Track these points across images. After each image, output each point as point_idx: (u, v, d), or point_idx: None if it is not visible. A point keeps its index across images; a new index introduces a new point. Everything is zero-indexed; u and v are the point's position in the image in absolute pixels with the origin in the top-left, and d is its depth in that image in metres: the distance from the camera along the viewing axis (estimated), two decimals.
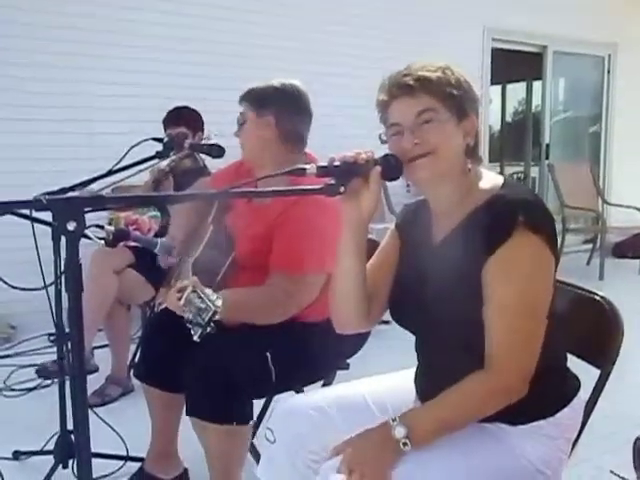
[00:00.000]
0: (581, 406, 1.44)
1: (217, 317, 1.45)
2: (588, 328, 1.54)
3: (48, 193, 1.48)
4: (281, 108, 2.01)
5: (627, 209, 6.46)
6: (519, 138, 9.96)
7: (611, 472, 1.58)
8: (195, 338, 1.33)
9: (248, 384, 1.84)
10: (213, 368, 1.79)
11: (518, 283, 1.27)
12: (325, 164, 1.31)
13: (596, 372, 1.48)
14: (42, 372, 3.34)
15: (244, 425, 1.89)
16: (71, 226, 1.13)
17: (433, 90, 1.33)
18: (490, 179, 1.40)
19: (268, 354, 1.87)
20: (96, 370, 3.30)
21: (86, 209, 1.15)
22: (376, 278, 1.51)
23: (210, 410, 1.82)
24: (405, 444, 1.25)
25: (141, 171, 2.15)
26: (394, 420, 1.28)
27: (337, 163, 1.30)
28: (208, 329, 1.31)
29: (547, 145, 7.28)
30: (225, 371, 1.78)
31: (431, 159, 1.33)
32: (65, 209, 1.14)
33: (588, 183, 6.85)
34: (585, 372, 1.48)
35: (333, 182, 1.31)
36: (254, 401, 1.95)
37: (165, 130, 3.26)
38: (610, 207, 7.00)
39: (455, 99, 1.34)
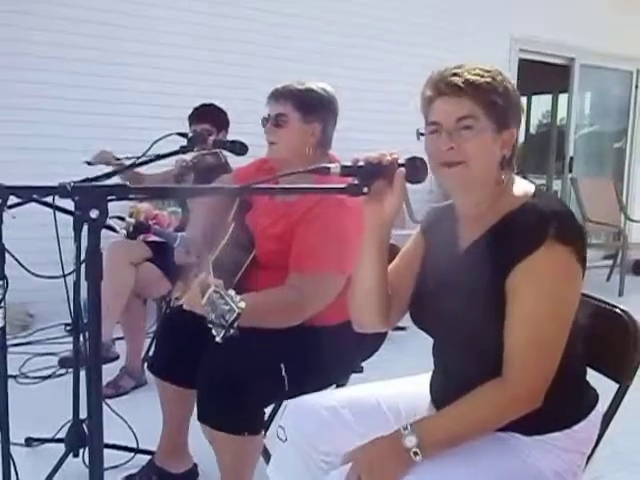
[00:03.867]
0: (598, 420, 1.42)
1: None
2: (608, 342, 1.51)
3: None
4: (328, 116, 2.04)
5: None
6: (543, 150, 9.89)
7: None
8: (218, 339, 1.32)
9: (260, 394, 1.83)
10: (226, 377, 1.78)
11: (544, 293, 1.25)
12: (349, 164, 1.30)
13: (614, 386, 1.46)
14: (65, 363, 3.35)
15: (255, 435, 1.88)
16: (94, 214, 1.14)
17: (479, 96, 1.30)
18: (521, 186, 1.38)
19: (282, 365, 1.85)
20: (117, 357, 3.33)
21: (109, 198, 1.15)
22: (398, 280, 1.50)
23: (221, 419, 1.81)
24: (416, 453, 1.24)
25: (159, 164, 2.16)
26: (405, 429, 1.27)
27: (361, 163, 1.29)
28: (231, 331, 1.30)
29: (571, 158, 7.21)
30: (237, 381, 1.76)
31: (463, 169, 1.31)
32: (88, 197, 1.14)
33: (611, 198, 6.77)
34: (604, 386, 1.46)
35: (356, 182, 1.30)
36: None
37: (190, 126, 3.28)
38: (632, 223, 6.92)
39: (499, 109, 1.31)
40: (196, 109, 3.36)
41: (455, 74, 1.32)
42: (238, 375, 1.77)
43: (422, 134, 1.37)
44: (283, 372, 1.85)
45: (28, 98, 4.16)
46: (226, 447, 1.87)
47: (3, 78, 4.10)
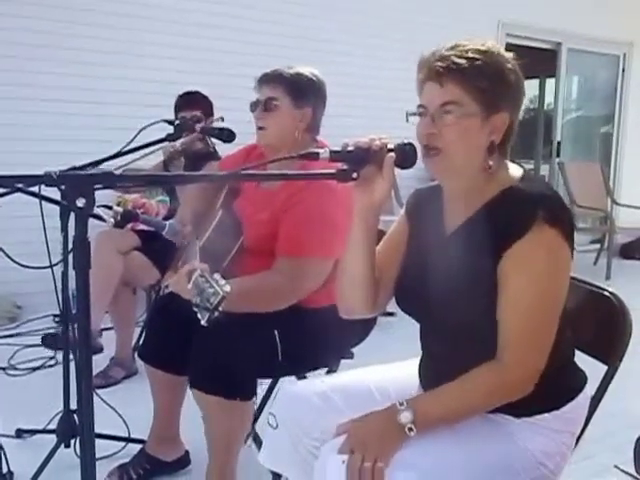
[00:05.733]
0: (586, 401, 1.43)
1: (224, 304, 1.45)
2: (597, 324, 1.53)
3: None
4: (318, 101, 2.05)
5: (636, 210, 6.43)
6: (530, 135, 9.89)
7: (615, 467, 1.57)
8: (203, 322, 1.32)
9: (254, 360, 1.83)
10: (219, 343, 1.79)
11: (535, 277, 1.25)
12: (338, 149, 1.29)
13: (603, 368, 1.47)
14: (48, 341, 3.34)
15: (247, 401, 1.88)
16: (80, 203, 1.12)
17: (464, 81, 1.27)
18: (510, 171, 1.38)
19: (276, 332, 1.87)
20: (101, 350, 3.32)
21: (96, 186, 1.14)
22: (383, 264, 1.50)
23: (213, 383, 1.81)
24: (410, 429, 1.25)
25: (148, 154, 2.12)
26: (401, 404, 1.27)
27: (350, 148, 1.28)
28: (216, 314, 1.31)
29: (558, 143, 7.23)
30: (231, 345, 1.77)
31: (443, 158, 1.30)
32: (75, 185, 1.13)
33: (598, 183, 6.81)
34: (592, 368, 1.47)
35: (346, 168, 1.30)
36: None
37: (177, 113, 3.25)
38: (619, 207, 6.96)
39: (486, 93, 1.28)
40: (181, 96, 3.33)
41: (443, 57, 1.29)
42: (231, 341, 1.78)
43: (413, 114, 1.36)
44: (276, 338, 1.86)
45: (7, 87, 4.10)
46: (217, 412, 1.87)
47: None
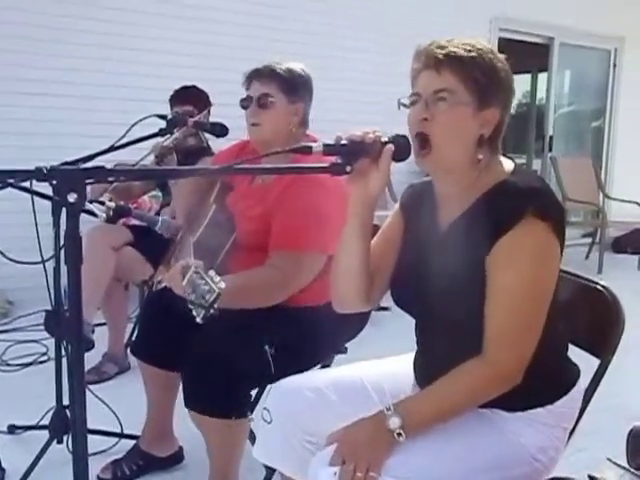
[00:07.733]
0: (580, 395, 1.43)
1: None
2: (589, 317, 1.53)
3: None
4: (308, 95, 2.06)
5: (627, 204, 6.46)
6: (522, 130, 9.91)
7: (608, 460, 1.58)
8: (198, 320, 1.31)
9: (246, 378, 1.83)
10: (211, 362, 1.78)
11: (521, 269, 1.25)
12: (332, 142, 1.28)
13: (595, 362, 1.48)
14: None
15: (242, 418, 1.88)
16: (72, 198, 1.11)
17: (460, 70, 1.29)
18: (502, 165, 1.38)
19: (267, 347, 1.85)
20: (92, 346, 3.30)
21: (87, 181, 1.13)
22: (378, 258, 1.49)
23: (208, 404, 1.81)
24: (399, 434, 1.25)
25: (146, 155, 2.12)
26: (388, 409, 1.27)
27: (344, 142, 1.27)
28: (211, 311, 1.30)
29: (550, 138, 7.25)
30: (223, 365, 1.76)
31: (434, 155, 1.30)
32: (66, 180, 1.12)
33: (590, 177, 6.84)
34: (585, 362, 1.48)
35: (340, 161, 1.29)
36: None
37: (171, 108, 3.23)
38: (611, 201, 6.99)
39: (480, 85, 1.30)
40: (177, 91, 3.31)
41: (442, 46, 1.31)
42: (222, 360, 1.77)
43: (404, 105, 1.36)
44: (268, 355, 1.84)
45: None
46: (214, 431, 1.87)
47: None
